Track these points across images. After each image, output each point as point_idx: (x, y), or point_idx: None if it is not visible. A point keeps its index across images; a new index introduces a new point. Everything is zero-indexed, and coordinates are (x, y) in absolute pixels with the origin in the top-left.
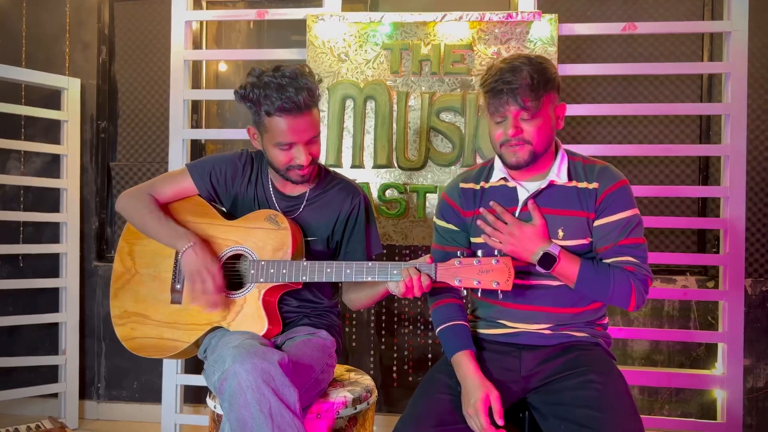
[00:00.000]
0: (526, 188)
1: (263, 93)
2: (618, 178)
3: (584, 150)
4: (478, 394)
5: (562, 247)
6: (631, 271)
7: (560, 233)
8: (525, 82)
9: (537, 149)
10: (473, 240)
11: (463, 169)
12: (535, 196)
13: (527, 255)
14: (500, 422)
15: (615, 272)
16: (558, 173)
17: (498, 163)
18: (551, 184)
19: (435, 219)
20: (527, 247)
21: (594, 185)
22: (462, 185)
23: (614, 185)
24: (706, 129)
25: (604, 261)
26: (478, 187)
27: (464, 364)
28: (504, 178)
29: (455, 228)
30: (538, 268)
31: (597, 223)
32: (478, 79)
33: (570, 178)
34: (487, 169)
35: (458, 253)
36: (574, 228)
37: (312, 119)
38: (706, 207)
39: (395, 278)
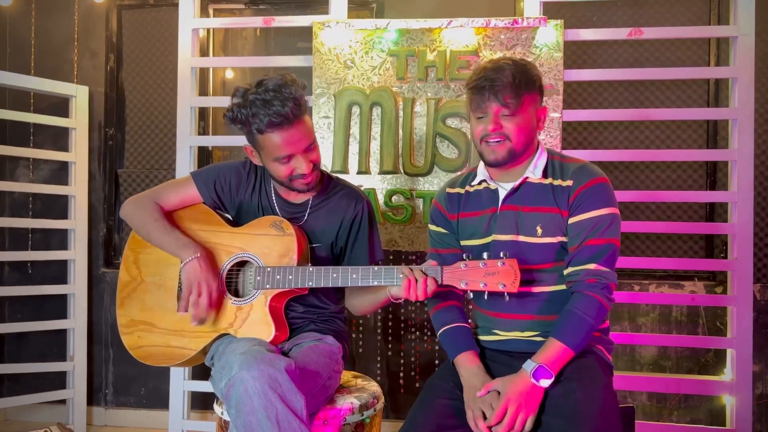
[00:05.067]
0: (505, 189)
1: (250, 112)
2: (593, 176)
3: (590, 155)
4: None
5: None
6: (592, 283)
7: (539, 230)
8: (507, 81)
9: (516, 147)
10: (462, 242)
11: None
12: (512, 194)
13: (534, 398)
14: None
15: (580, 306)
16: (533, 170)
17: (480, 167)
18: (525, 182)
19: (429, 224)
20: (526, 395)
21: (568, 182)
22: (449, 190)
23: (588, 183)
24: (713, 134)
25: (565, 274)
26: (463, 191)
27: (469, 364)
28: (484, 181)
29: (445, 231)
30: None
31: (570, 220)
32: None
33: (546, 176)
34: (472, 174)
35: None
36: (551, 225)
37: (304, 128)
38: (713, 212)
39: (401, 283)
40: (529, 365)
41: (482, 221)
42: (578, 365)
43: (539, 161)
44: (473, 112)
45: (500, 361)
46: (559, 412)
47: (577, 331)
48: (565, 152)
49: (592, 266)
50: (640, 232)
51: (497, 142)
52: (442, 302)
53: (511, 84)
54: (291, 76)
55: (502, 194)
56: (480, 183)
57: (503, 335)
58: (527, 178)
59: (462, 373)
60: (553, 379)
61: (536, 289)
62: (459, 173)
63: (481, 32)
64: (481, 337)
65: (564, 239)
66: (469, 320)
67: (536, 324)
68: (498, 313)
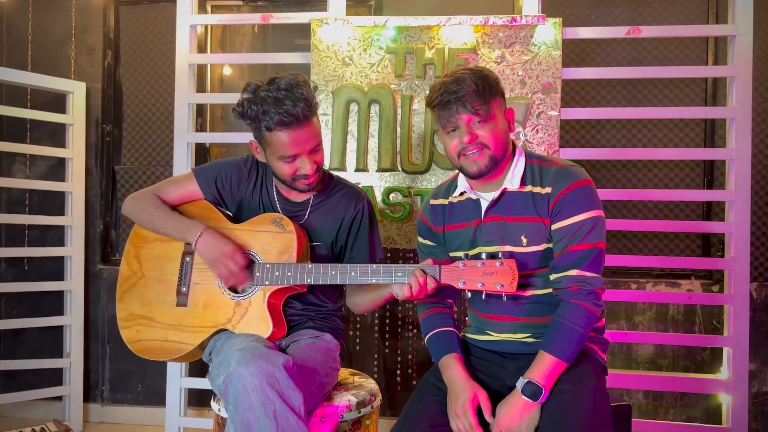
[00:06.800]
0: (486, 199)
1: (261, 109)
2: (572, 180)
3: (588, 154)
4: (466, 395)
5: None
6: (576, 290)
7: (523, 240)
8: (470, 89)
9: (495, 153)
10: (451, 254)
11: None
12: (493, 205)
13: (529, 408)
14: (491, 419)
15: (568, 316)
16: (511, 180)
17: (460, 177)
18: (504, 192)
19: (417, 237)
20: (519, 414)
21: (547, 190)
22: (432, 201)
23: (567, 188)
24: (711, 132)
25: (551, 280)
26: (446, 202)
27: (451, 367)
28: (464, 192)
29: (432, 244)
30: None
31: (553, 227)
32: None
33: (524, 183)
34: (454, 184)
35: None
36: (535, 234)
37: (312, 129)
38: (710, 211)
39: (399, 281)
40: (520, 383)
41: (467, 233)
42: (569, 368)
43: (516, 169)
44: (443, 128)
45: (492, 361)
46: (548, 416)
47: (567, 342)
48: (563, 150)
49: (574, 272)
50: (637, 230)
51: (476, 152)
52: (430, 309)
53: (476, 91)
54: (303, 76)
55: (484, 205)
56: (461, 194)
57: (496, 336)
58: (506, 188)
59: (445, 378)
60: (546, 394)
61: (527, 292)
62: (446, 179)
63: (479, 30)
64: (475, 337)
65: (549, 245)
66: (466, 317)
67: (528, 326)
68: (490, 315)
